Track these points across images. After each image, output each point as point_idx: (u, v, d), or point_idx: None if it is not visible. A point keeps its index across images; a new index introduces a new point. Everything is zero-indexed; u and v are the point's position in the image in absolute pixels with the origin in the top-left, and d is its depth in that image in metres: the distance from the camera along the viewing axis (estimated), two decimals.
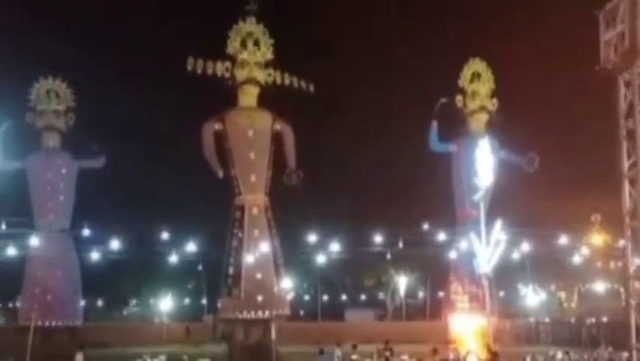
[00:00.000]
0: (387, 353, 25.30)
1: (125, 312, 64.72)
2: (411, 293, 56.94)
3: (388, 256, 40.52)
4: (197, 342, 39.54)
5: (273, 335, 29.32)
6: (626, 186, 21.26)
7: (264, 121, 30.60)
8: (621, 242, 23.75)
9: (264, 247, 29.93)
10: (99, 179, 33.75)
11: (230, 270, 29.87)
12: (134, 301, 65.66)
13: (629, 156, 21.17)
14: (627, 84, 20.88)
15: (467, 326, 30.70)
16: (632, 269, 22.30)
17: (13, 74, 34.48)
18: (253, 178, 30.27)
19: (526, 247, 36.74)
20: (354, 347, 26.28)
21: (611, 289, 48.53)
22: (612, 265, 45.39)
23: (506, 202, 30.59)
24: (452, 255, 33.43)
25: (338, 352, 25.02)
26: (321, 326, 48.60)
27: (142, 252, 35.79)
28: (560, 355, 25.08)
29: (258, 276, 29.67)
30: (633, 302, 21.95)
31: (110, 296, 60.48)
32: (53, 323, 31.39)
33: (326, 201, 40.17)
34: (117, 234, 32.07)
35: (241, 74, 30.36)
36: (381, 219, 48.75)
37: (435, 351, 25.80)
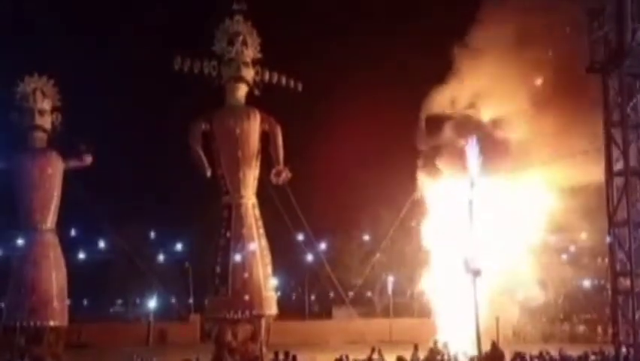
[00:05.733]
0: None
1: (110, 310, 64.36)
2: (399, 291, 56.94)
3: (377, 255, 40.59)
4: (182, 343, 39.40)
5: (262, 334, 29.27)
6: (614, 185, 21.47)
7: (252, 120, 30.41)
8: (607, 239, 23.96)
9: (252, 245, 29.79)
10: (86, 178, 33.49)
11: (218, 269, 29.66)
12: (119, 301, 65.25)
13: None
14: (614, 84, 21.06)
15: (455, 325, 30.72)
16: (618, 266, 22.50)
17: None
18: (240, 177, 30.10)
19: (513, 243, 36.80)
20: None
21: (598, 286, 48.90)
22: (599, 261, 45.76)
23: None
24: (439, 252, 33.48)
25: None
26: (308, 325, 48.51)
27: (128, 251, 35.57)
28: (552, 352, 25.11)
29: (246, 275, 29.49)
30: (620, 298, 22.16)
31: (96, 296, 60.08)
32: (38, 323, 31.09)
33: (313, 199, 40.17)
34: (103, 233, 31.89)
35: (228, 73, 30.19)
36: (368, 217, 48.85)
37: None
